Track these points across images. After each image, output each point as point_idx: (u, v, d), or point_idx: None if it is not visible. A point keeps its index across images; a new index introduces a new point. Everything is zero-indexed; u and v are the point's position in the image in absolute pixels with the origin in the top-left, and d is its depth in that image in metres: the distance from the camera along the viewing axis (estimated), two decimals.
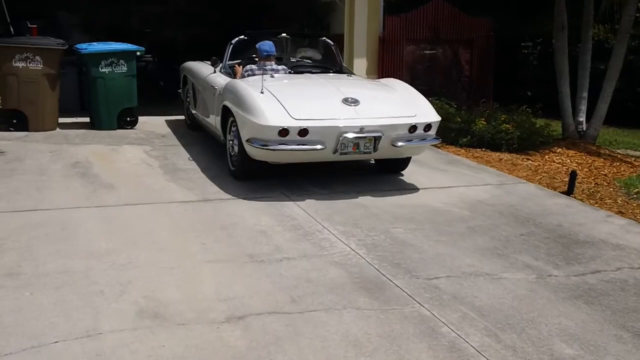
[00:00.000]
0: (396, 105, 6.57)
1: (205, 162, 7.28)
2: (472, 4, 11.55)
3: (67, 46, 8.71)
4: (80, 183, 6.35)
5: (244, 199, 6.05)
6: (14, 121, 8.46)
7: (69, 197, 5.89)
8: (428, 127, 6.38)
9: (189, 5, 13.84)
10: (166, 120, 9.75)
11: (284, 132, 5.89)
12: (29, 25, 8.66)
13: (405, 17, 10.87)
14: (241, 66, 7.45)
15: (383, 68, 10.79)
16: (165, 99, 10.80)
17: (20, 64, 8.31)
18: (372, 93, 6.90)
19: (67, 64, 9.35)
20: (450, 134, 9.08)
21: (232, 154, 6.64)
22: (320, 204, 5.99)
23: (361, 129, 6.04)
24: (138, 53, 8.81)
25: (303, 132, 5.92)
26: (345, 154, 6.12)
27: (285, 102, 6.12)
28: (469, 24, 11.26)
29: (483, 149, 8.87)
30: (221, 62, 7.68)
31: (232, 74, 7.39)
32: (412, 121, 6.28)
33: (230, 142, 6.66)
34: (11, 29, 9.60)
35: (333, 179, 6.81)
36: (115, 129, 8.83)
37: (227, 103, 6.62)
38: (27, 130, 8.44)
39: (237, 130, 6.33)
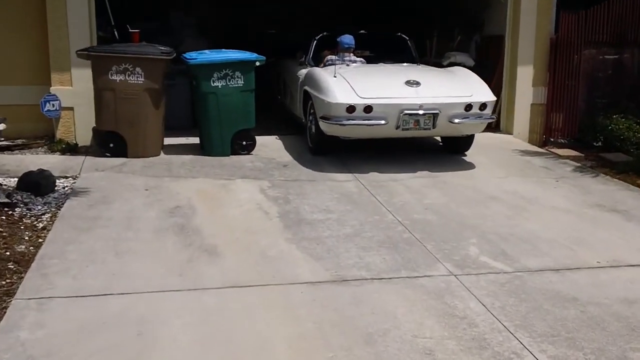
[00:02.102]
0: (454, 87, 7.13)
1: (339, 209, 5.58)
2: None
3: (173, 55, 7.19)
4: (174, 243, 4.78)
5: (393, 278, 4.28)
6: (111, 145, 7.05)
7: (156, 271, 4.31)
8: (483, 106, 6.90)
9: (319, 5, 12.26)
10: (287, 141, 8.09)
11: (351, 108, 6.60)
12: (130, 30, 7.20)
13: (584, 15, 8.66)
14: (329, 51, 8.06)
15: (555, 77, 8.65)
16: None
17: (118, 77, 6.87)
18: (433, 76, 7.47)
19: (178, 74, 7.93)
20: None
21: (311, 133, 7.40)
22: (505, 291, 4.11)
23: (420, 106, 6.68)
24: (258, 63, 7.18)
25: (368, 109, 6.62)
26: (407, 129, 6.76)
27: (353, 84, 6.84)
28: None
29: None
30: (306, 55, 8.38)
31: (315, 65, 7.95)
32: (468, 100, 6.85)
33: (309, 122, 7.38)
34: (116, 33, 8.20)
35: (503, 240, 4.89)
36: (228, 155, 7.25)
37: (306, 88, 7.36)
38: (126, 156, 7.01)
39: (315, 111, 7.02)
